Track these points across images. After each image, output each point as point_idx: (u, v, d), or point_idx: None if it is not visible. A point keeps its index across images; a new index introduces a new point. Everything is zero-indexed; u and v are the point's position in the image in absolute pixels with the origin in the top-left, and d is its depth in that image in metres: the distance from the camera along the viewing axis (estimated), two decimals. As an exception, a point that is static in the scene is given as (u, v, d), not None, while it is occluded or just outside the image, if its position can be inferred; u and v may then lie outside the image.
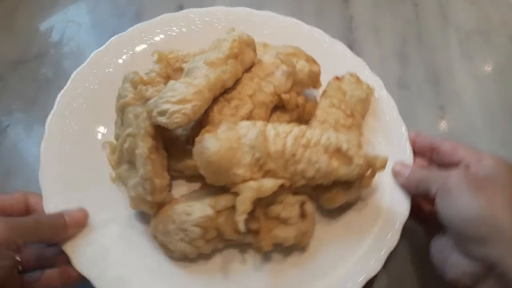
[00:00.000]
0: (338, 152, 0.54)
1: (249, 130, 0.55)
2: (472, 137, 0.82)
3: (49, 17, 1.00)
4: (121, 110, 0.61)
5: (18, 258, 0.51)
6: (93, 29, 0.99)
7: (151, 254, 0.57)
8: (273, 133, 0.54)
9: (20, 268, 0.54)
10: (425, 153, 0.65)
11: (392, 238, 0.57)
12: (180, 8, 1.01)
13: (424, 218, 0.62)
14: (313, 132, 0.56)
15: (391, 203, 0.60)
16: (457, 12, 1.03)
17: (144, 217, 0.60)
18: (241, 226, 0.50)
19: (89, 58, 0.72)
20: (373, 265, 0.55)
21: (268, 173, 0.53)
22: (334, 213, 0.61)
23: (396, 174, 0.62)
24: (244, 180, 0.52)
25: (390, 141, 0.68)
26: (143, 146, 0.55)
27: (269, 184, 0.52)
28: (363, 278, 0.53)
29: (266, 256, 0.58)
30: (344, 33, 0.98)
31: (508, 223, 0.47)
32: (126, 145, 0.58)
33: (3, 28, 0.97)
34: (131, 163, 0.58)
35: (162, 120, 0.53)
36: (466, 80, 0.91)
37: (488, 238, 0.48)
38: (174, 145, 0.63)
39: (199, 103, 0.54)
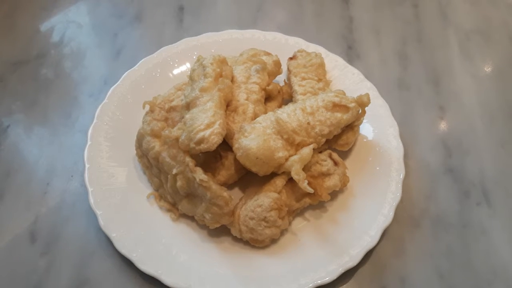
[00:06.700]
0: (335, 106, 0.69)
1: (266, 122, 0.66)
2: (472, 137, 0.82)
3: (49, 17, 1.00)
4: (156, 160, 0.67)
5: None
6: (93, 30, 0.99)
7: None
8: (285, 115, 0.67)
9: None
10: None
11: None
12: (181, 8, 1.02)
13: None
14: (310, 101, 0.70)
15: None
16: (457, 12, 1.03)
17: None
18: (309, 189, 0.63)
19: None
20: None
21: (299, 145, 0.66)
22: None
23: None
24: (286, 159, 0.65)
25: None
26: (199, 174, 0.62)
27: (307, 151, 0.65)
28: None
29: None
30: (344, 33, 0.98)
31: None
32: (179, 183, 0.64)
33: (4, 28, 0.97)
34: (190, 195, 0.66)
35: (204, 146, 0.61)
36: (466, 80, 0.91)
37: None
38: (206, 166, 0.68)
39: (222, 120, 0.64)
